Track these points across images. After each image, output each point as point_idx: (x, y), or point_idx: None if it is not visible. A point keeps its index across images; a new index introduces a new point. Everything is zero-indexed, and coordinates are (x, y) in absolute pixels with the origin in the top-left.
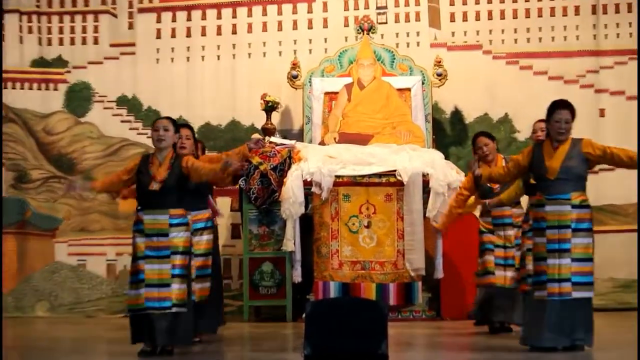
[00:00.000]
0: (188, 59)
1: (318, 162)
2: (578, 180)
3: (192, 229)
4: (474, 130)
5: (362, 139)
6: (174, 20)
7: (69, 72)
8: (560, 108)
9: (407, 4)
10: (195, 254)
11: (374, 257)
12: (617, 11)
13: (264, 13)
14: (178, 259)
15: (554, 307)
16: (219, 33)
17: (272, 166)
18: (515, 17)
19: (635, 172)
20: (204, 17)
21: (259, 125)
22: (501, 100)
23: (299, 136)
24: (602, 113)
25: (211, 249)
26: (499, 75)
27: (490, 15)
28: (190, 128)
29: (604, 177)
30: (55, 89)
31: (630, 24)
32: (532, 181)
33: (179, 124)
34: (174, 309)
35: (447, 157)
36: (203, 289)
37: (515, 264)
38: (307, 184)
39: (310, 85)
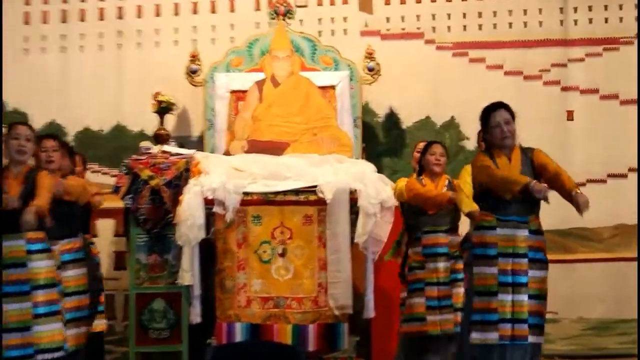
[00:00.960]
0: (63, 49)
1: (222, 176)
2: (534, 200)
3: (60, 261)
4: (413, 137)
5: (276, 148)
6: (45, 2)
7: None
8: (495, 109)
9: None
10: (66, 293)
11: (290, 293)
12: None
13: None
14: (41, 295)
15: (503, 354)
16: (101, 18)
17: (165, 181)
18: None
19: (613, 188)
20: None
21: (149, 131)
22: (446, 101)
23: (199, 144)
24: (570, 116)
25: (85, 284)
26: (444, 70)
27: None
28: (57, 138)
29: None
30: None
31: (605, 6)
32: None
33: (42, 135)
34: (40, 357)
35: (379, 170)
36: (78, 336)
37: (454, 303)
38: (209, 203)
39: (213, 82)
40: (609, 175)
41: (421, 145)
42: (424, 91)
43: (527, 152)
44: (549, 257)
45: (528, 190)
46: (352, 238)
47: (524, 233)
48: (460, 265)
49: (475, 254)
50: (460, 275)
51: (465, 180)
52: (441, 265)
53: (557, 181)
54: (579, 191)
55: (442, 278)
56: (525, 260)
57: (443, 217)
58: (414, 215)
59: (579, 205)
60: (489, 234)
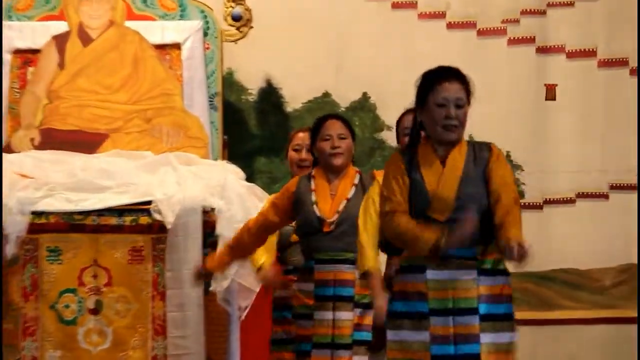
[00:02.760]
0: None
1: None
2: (487, 223)
3: None
4: (303, 123)
5: (86, 142)
6: None
7: None
8: (444, 78)
9: None
10: None
11: None
12: None
13: None
14: None
15: None
16: None
17: None
18: None
19: (618, 207)
20: None
21: None
22: (355, 69)
23: None
24: (550, 93)
25: None
26: (350, 21)
27: None
28: None
29: (551, 214)
30: None
31: None
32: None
33: None
34: None
35: (250, 177)
36: None
37: None
38: None
39: None
40: (613, 187)
41: (301, 135)
42: (320, 53)
43: (480, 150)
44: (520, 315)
45: (439, 251)
46: (207, 285)
47: (470, 276)
48: (368, 320)
49: (393, 311)
50: (365, 336)
51: (369, 211)
52: (342, 315)
53: (492, 208)
54: (515, 244)
55: (339, 337)
56: (475, 320)
57: (349, 235)
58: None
59: (511, 260)
60: (415, 280)
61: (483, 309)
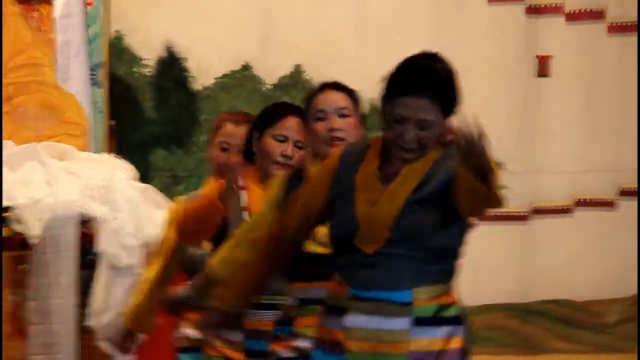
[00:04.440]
0: None
1: None
2: (436, 254)
3: None
4: (217, 107)
5: None
6: None
7: None
8: (415, 90)
9: None
10: None
11: None
12: None
13: None
14: None
15: None
16: None
17: None
18: None
19: (627, 217)
20: None
21: None
22: (287, 38)
23: None
24: (543, 67)
25: None
26: None
27: None
28: None
29: (541, 227)
30: None
31: None
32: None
33: None
34: None
35: (145, 175)
36: None
37: None
38: None
39: None
40: (624, 193)
41: (230, 127)
42: (240, 14)
43: (447, 156)
44: None
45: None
46: (83, 319)
47: (399, 324)
48: None
49: None
50: None
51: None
52: None
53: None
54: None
55: None
56: None
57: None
58: None
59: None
60: (330, 325)
61: None
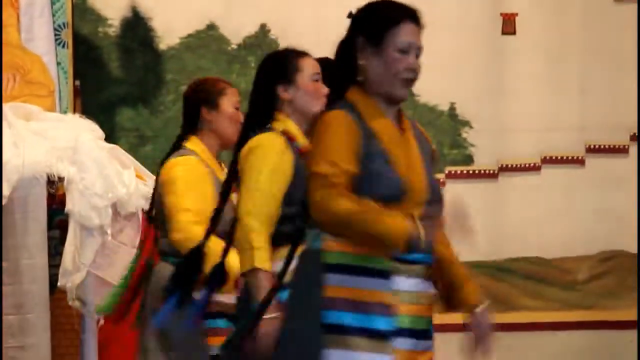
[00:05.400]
0: None
1: None
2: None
3: None
4: (183, 69)
5: None
6: None
7: None
8: (414, 19)
9: None
10: None
11: None
12: None
13: None
14: None
15: None
16: None
17: None
18: None
19: (598, 174)
20: None
21: None
22: None
23: None
24: (509, 25)
25: None
26: None
27: None
28: None
29: (509, 184)
30: None
31: None
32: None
33: None
34: None
35: (111, 135)
36: None
37: None
38: None
39: None
40: (591, 150)
41: (233, 88)
42: None
43: (416, 125)
44: (465, 317)
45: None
46: (54, 280)
47: (431, 289)
48: None
49: (338, 324)
50: None
51: (260, 188)
52: None
53: None
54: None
55: None
56: (430, 345)
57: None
58: None
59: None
60: (372, 286)
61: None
